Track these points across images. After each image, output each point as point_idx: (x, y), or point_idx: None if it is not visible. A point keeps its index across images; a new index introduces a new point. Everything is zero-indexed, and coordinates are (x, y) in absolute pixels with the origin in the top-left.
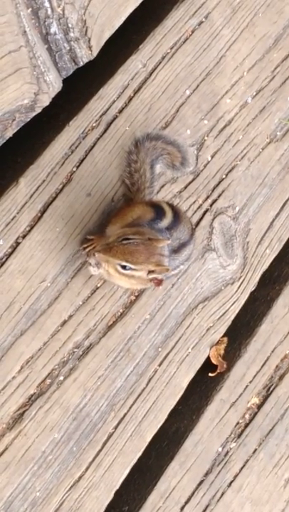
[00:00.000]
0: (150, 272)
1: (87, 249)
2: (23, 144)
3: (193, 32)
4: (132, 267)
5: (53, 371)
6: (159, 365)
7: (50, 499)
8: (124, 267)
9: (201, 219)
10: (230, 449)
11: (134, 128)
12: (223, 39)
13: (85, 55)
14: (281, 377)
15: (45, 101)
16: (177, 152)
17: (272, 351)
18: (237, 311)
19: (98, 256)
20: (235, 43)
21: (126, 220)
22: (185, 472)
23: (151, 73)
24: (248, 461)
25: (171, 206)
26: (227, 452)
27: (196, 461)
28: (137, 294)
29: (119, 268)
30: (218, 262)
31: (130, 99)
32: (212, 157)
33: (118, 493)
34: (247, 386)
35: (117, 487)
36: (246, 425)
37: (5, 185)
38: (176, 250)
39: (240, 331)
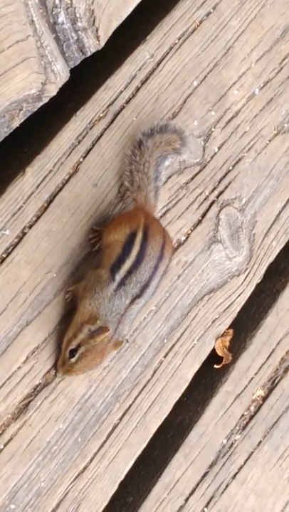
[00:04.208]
0: None
1: (93, 241)
2: (30, 134)
3: (201, 23)
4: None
5: (53, 366)
6: (165, 356)
7: (54, 490)
8: None
9: (207, 210)
10: (235, 441)
11: (141, 119)
12: (230, 30)
13: (93, 45)
14: (286, 370)
15: (52, 91)
16: (175, 136)
17: (278, 343)
18: (243, 303)
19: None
20: (243, 34)
21: (109, 254)
22: (189, 464)
23: (158, 64)
24: (252, 453)
25: (144, 237)
26: (232, 444)
27: (201, 452)
28: None
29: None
30: (225, 253)
31: (137, 89)
32: (219, 148)
33: (123, 484)
34: (252, 378)
35: (122, 478)
36: (251, 417)
37: (12, 175)
38: (138, 295)
39: (246, 323)
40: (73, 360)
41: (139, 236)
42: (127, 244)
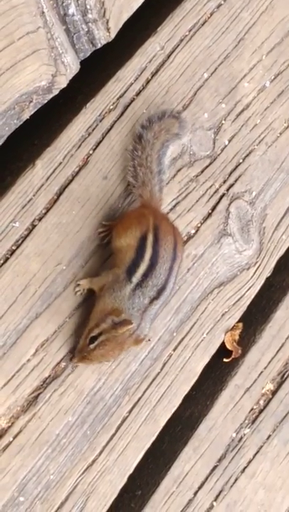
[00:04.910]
0: None
1: (102, 235)
2: (40, 126)
3: (211, 14)
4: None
5: (68, 354)
6: (174, 349)
7: (63, 482)
8: None
9: (217, 203)
10: (244, 434)
11: (151, 111)
12: (241, 22)
13: (103, 36)
14: None
15: (62, 83)
16: (173, 120)
17: (288, 337)
18: (252, 297)
19: (80, 365)
20: (254, 26)
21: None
22: (199, 457)
23: (169, 56)
24: (261, 447)
25: (155, 239)
26: (241, 438)
27: (210, 446)
28: None
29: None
30: (234, 247)
31: (148, 81)
32: (229, 141)
33: (131, 478)
34: (261, 372)
35: (131, 471)
36: (260, 411)
37: (22, 167)
38: (156, 297)
39: (256, 317)
40: (92, 346)
41: (150, 239)
42: (139, 249)
